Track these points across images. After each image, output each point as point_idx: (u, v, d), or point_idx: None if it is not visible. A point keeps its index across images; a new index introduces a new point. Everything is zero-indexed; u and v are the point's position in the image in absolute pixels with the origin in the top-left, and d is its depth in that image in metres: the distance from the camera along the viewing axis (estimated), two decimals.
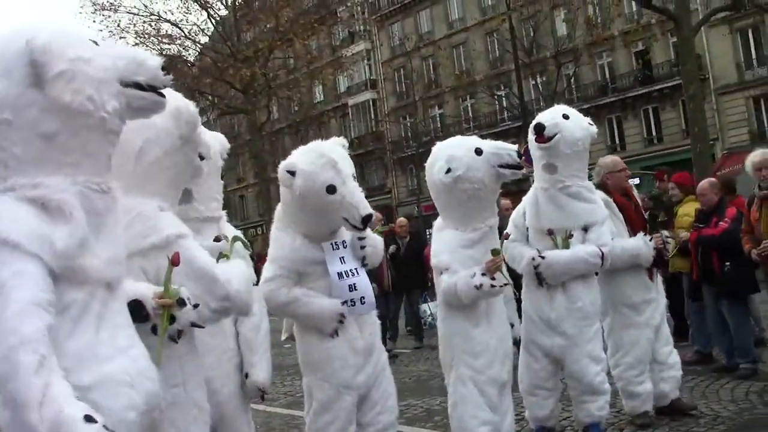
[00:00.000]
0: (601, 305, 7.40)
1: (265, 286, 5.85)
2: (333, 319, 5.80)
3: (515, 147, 6.43)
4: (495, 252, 6.24)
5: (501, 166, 6.29)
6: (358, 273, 6.02)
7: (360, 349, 5.95)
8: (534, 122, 7.03)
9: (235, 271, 4.32)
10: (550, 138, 6.85)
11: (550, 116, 7.04)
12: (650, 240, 7.72)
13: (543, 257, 6.88)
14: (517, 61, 36.03)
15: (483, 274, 6.15)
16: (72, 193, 3.13)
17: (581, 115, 7.25)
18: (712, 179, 10.41)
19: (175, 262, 3.72)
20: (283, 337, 6.80)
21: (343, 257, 5.99)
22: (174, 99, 4.13)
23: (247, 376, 5.54)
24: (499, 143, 6.45)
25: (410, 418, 9.28)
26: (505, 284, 6.29)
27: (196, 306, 3.73)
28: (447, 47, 57.18)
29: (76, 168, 3.21)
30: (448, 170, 6.23)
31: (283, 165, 5.83)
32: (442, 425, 6.72)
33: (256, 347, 5.63)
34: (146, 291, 3.68)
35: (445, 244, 6.55)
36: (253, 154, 45.49)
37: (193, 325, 3.73)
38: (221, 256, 4.59)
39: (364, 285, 6.02)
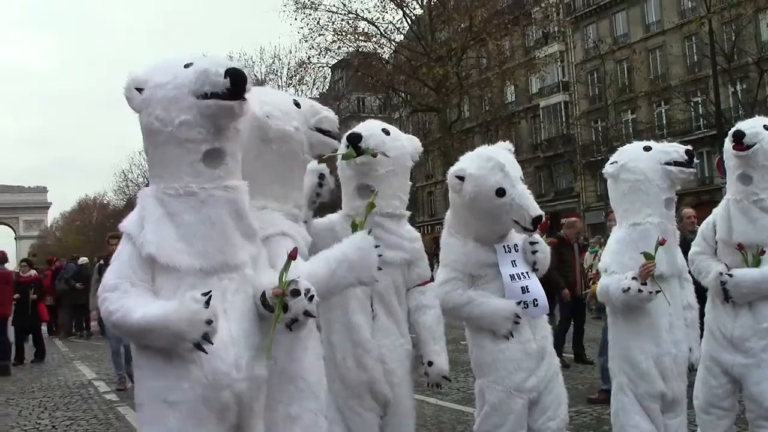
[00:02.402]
0: None
1: (440, 288, 6.00)
2: (508, 320, 5.87)
3: (686, 147, 6.34)
4: (647, 256, 6.10)
5: (668, 164, 6.22)
6: (529, 276, 6.09)
7: (533, 352, 5.99)
8: (734, 129, 6.78)
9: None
10: (749, 147, 6.58)
11: (751, 125, 6.76)
12: None
13: (731, 275, 6.64)
14: (715, 67, 34.94)
15: (634, 278, 6.06)
16: (150, 197, 3.98)
17: None
18: None
19: (292, 256, 4.00)
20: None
21: (514, 260, 6.08)
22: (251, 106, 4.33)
23: (430, 363, 5.67)
24: (672, 143, 6.44)
25: (579, 425, 9.28)
26: (658, 291, 6.11)
27: (311, 297, 3.88)
28: (642, 50, 56.00)
29: (159, 178, 4.01)
30: (614, 163, 6.44)
31: (452, 171, 6.00)
32: None
33: (440, 337, 5.79)
34: (269, 283, 3.99)
35: (609, 245, 6.63)
36: (443, 151, 45.67)
37: (306, 314, 3.88)
38: (353, 225, 4.70)
39: (536, 288, 6.08)
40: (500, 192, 5.79)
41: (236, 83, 3.74)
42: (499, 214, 5.85)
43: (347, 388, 5.61)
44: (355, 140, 5.56)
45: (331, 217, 5.78)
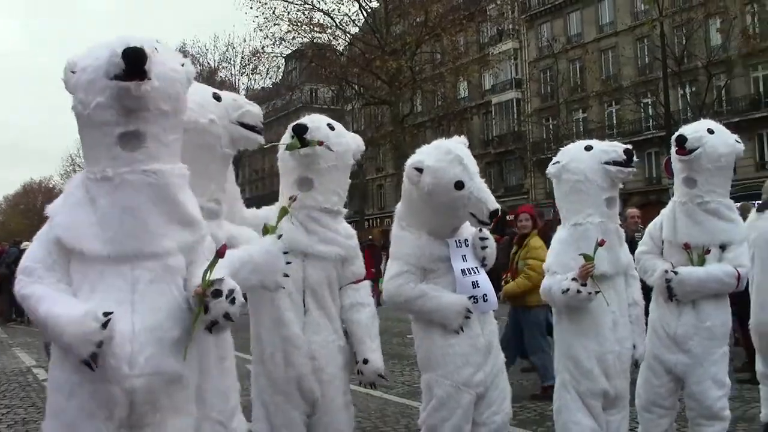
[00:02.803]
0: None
1: (392, 281, 6.00)
2: (460, 314, 5.87)
3: (626, 146, 6.34)
4: (586, 257, 6.12)
5: (607, 163, 6.25)
6: (479, 271, 6.12)
7: (481, 347, 6.02)
8: (677, 134, 6.90)
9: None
10: (692, 151, 6.70)
11: (693, 129, 6.88)
12: None
13: (675, 272, 6.73)
14: (665, 69, 35.34)
15: (574, 279, 6.10)
16: (78, 181, 3.95)
17: (728, 132, 7.03)
18: None
19: (221, 253, 3.87)
20: None
21: (465, 255, 6.09)
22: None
23: (366, 361, 5.69)
24: (612, 143, 6.46)
25: (522, 420, 9.31)
26: (597, 292, 6.13)
27: (233, 300, 3.74)
28: (595, 51, 56.45)
29: (86, 161, 3.95)
30: (557, 163, 6.49)
31: (410, 162, 5.96)
32: (553, 430, 6.69)
33: (375, 335, 5.85)
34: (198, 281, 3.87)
35: (552, 245, 6.67)
36: (394, 145, 45.79)
37: (226, 317, 3.74)
38: (265, 229, 4.71)
39: (486, 283, 6.11)
40: (459, 185, 5.79)
41: (131, 63, 3.64)
42: (456, 207, 5.86)
43: (274, 384, 5.61)
44: (300, 131, 5.55)
45: (266, 210, 5.75)
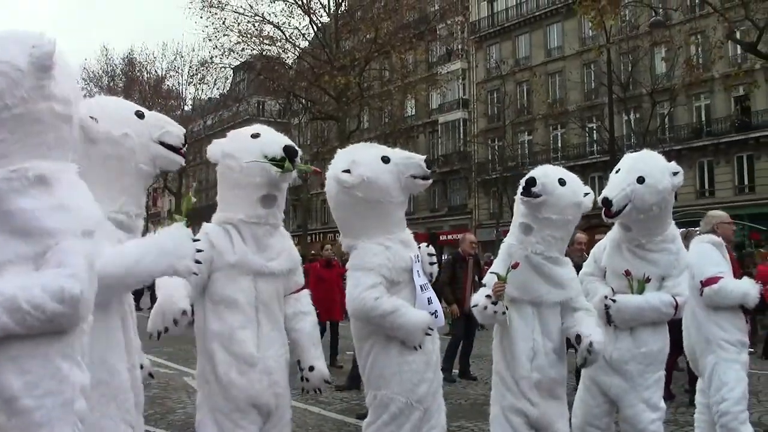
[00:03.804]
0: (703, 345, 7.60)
1: (368, 293, 5.83)
2: (424, 331, 5.85)
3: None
4: (498, 277, 6.18)
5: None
6: (429, 288, 6.11)
7: (433, 363, 6.03)
8: (602, 196, 6.88)
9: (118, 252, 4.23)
10: (619, 212, 6.76)
11: (618, 185, 6.86)
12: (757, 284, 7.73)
13: (614, 300, 6.78)
14: (611, 95, 35.74)
15: (488, 296, 6.15)
16: None
17: (663, 168, 6.93)
18: None
19: None
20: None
21: (419, 271, 6.06)
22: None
23: (311, 368, 5.76)
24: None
25: None
26: (503, 313, 6.14)
27: None
28: (542, 74, 57.01)
29: None
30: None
31: (333, 173, 6.01)
32: None
33: (318, 343, 5.94)
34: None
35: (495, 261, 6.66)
36: None
37: None
38: (171, 218, 4.59)
39: (436, 299, 6.10)
40: (385, 159, 5.94)
41: None
42: (394, 180, 5.91)
43: (231, 402, 5.48)
44: (293, 155, 5.54)
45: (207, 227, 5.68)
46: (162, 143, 4.85)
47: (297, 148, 5.61)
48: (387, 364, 5.96)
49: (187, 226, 4.40)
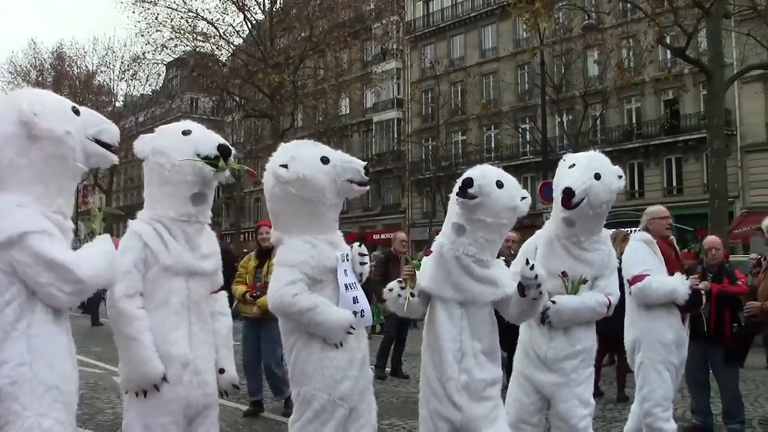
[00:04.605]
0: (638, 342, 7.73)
1: (287, 289, 5.81)
2: (345, 330, 5.81)
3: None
4: (408, 262, 6.27)
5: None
6: (357, 287, 6.06)
7: (357, 361, 5.97)
8: (564, 186, 6.82)
9: (89, 252, 4.47)
10: (578, 204, 6.73)
11: (580, 178, 6.85)
12: (687, 279, 7.82)
13: (553, 302, 6.76)
14: (544, 97, 36.01)
15: (399, 281, 6.20)
16: None
17: (612, 170, 7.08)
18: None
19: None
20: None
21: (346, 270, 6.02)
22: (14, 103, 4.51)
23: (222, 371, 5.72)
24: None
25: None
26: (405, 298, 6.13)
27: None
28: (477, 75, 57.39)
29: None
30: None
31: (271, 165, 5.95)
32: None
33: (230, 345, 5.90)
34: None
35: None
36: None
37: None
38: (89, 226, 4.72)
39: (364, 299, 6.05)
40: (324, 159, 5.88)
41: None
42: (331, 182, 5.88)
43: (162, 405, 5.38)
44: (227, 153, 5.52)
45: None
46: (97, 141, 4.78)
47: (231, 146, 5.58)
48: (309, 361, 5.93)
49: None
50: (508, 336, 7.01)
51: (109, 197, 60.45)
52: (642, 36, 37.85)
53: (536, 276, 5.77)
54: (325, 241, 5.99)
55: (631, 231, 21.86)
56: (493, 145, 56.08)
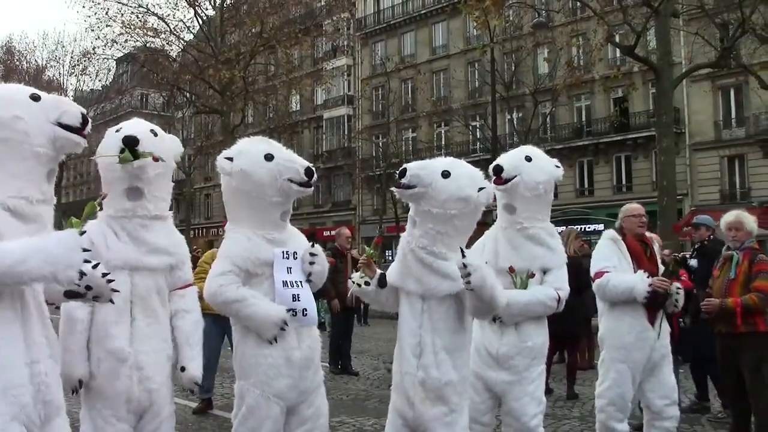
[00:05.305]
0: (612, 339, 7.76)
1: (214, 280, 5.88)
2: (276, 325, 5.78)
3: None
4: (365, 252, 6.29)
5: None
6: (302, 286, 6.04)
7: (296, 360, 5.91)
8: (494, 163, 6.98)
9: (11, 245, 4.18)
10: (508, 180, 6.82)
11: (510, 158, 7.03)
12: (647, 277, 7.74)
13: None
14: (494, 94, 36.06)
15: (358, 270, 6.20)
16: None
17: (547, 158, 7.21)
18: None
19: None
20: None
21: (290, 267, 6.03)
22: None
23: (183, 369, 5.73)
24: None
25: None
26: (359, 285, 6.12)
27: None
28: (427, 72, 57.44)
29: None
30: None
31: (219, 158, 6.05)
32: None
33: (194, 343, 5.88)
34: None
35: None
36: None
37: None
38: (70, 223, 4.47)
39: (308, 298, 6.04)
40: (268, 156, 5.92)
41: None
42: (271, 179, 5.88)
43: (102, 398, 5.51)
44: (133, 143, 5.47)
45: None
46: (60, 124, 4.66)
47: (137, 137, 5.52)
48: (245, 355, 5.97)
49: (81, 234, 4.23)
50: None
51: (58, 192, 59.74)
52: (592, 34, 38.07)
53: (464, 265, 5.51)
54: (263, 237, 5.99)
55: (580, 228, 22.07)
56: (443, 142, 56.09)
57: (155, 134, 5.78)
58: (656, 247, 8.45)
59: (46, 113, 4.61)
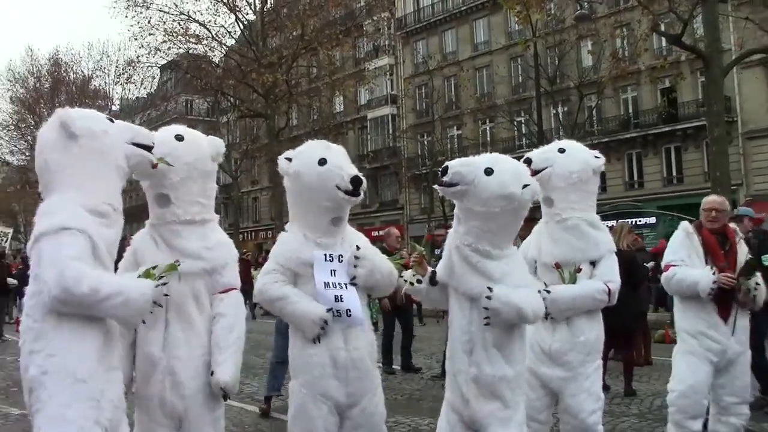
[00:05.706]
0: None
1: (261, 279, 6.05)
2: (315, 324, 5.77)
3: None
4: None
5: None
6: (346, 287, 5.98)
7: (341, 360, 5.85)
8: (524, 157, 6.90)
9: (115, 280, 4.77)
10: (538, 172, 6.74)
11: (542, 151, 7.16)
12: (713, 273, 7.49)
13: (548, 291, 6.60)
14: (538, 89, 35.85)
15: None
16: None
17: (584, 148, 7.19)
18: None
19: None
20: None
21: (334, 270, 5.98)
22: (55, 115, 4.97)
23: (212, 373, 5.66)
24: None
25: None
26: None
27: None
28: (470, 69, 57.26)
29: None
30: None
31: (280, 158, 6.18)
32: None
33: (225, 347, 5.74)
34: None
35: None
36: (269, 158, 45.48)
37: None
38: (147, 273, 4.98)
39: (352, 299, 5.96)
40: (322, 161, 5.91)
41: None
42: (322, 183, 5.87)
43: (139, 403, 5.68)
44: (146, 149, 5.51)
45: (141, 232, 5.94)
46: (135, 144, 5.16)
47: (147, 144, 5.48)
48: (294, 355, 6.03)
49: (157, 287, 4.84)
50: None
51: None
52: (636, 24, 37.68)
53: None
54: (312, 239, 5.99)
55: (631, 222, 21.74)
56: (489, 139, 55.87)
57: (180, 139, 5.84)
58: (740, 243, 8.08)
59: (121, 133, 5.12)
